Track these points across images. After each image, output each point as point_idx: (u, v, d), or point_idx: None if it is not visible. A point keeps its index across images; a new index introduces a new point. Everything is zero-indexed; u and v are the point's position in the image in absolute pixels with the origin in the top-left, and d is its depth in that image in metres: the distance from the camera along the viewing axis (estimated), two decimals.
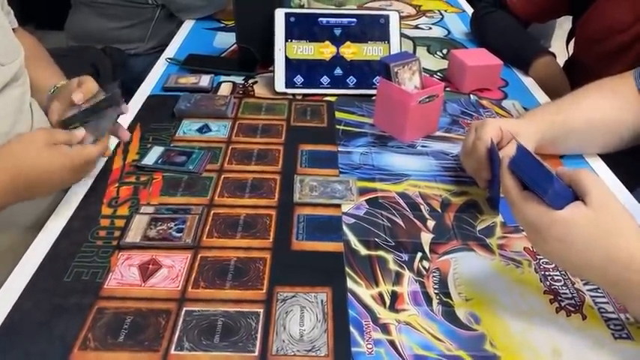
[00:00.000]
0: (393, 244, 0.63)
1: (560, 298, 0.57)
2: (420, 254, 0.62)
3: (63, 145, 0.61)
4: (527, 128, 0.72)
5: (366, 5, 1.43)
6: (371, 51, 0.99)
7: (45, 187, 0.62)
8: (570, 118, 0.76)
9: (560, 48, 1.31)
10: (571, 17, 1.18)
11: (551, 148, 0.78)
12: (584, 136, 0.78)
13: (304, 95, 0.97)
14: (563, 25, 1.75)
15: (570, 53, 1.24)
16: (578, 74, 1.16)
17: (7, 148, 0.59)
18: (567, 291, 0.58)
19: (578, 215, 0.48)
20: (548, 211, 0.48)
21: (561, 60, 1.33)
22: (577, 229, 0.48)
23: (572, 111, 0.76)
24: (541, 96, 1.02)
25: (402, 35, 1.02)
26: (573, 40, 1.20)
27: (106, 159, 0.75)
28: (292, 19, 0.98)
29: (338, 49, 0.99)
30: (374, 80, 0.97)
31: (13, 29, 0.81)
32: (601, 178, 0.52)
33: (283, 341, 0.50)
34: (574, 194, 0.49)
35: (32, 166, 0.59)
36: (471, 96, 1.00)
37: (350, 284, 0.57)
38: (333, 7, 1.07)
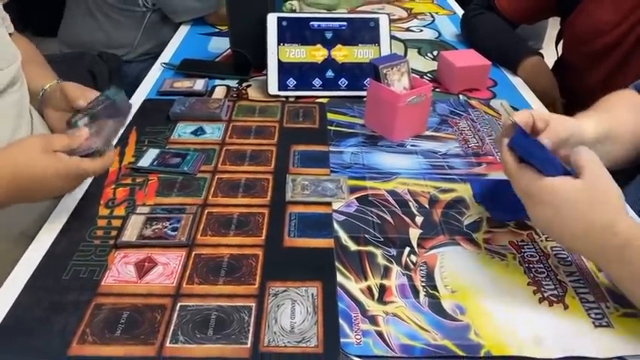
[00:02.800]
0: (382, 239, 0.65)
1: (543, 289, 0.59)
2: (408, 249, 0.64)
3: (60, 153, 0.61)
4: (559, 122, 0.67)
5: (358, 9, 1.46)
6: (362, 53, 1.02)
7: (38, 192, 0.62)
8: (600, 127, 0.70)
9: (552, 49, 1.33)
10: (559, 19, 1.21)
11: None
12: (609, 148, 0.72)
13: (297, 97, 1.00)
14: (556, 26, 1.77)
15: (559, 54, 1.27)
16: (567, 74, 1.19)
17: (5, 151, 0.61)
18: (550, 282, 0.59)
19: (566, 183, 0.53)
20: (538, 177, 0.54)
21: (552, 60, 1.36)
22: (563, 195, 0.52)
23: (610, 120, 0.72)
24: (529, 95, 1.04)
25: (394, 38, 1.04)
26: (562, 41, 1.23)
27: None
28: (284, 23, 1.01)
29: (329, 52, 1.01)
30: (364, 82, 0.99)
31: (9, 34, 0.82)
32: (596, 156, 0.55)
33: (275, 333, 0.52)
34: (566, 170, 0.54)
35: (27, 170, 0.59)
36: (460, 96, 1.02)
37: (340, 278, 0.59)
38: (325, 11, 1.09)
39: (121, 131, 0.70)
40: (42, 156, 0.59)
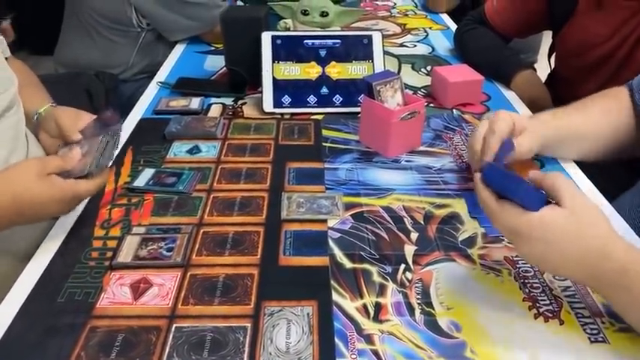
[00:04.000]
0: (378, 256, 0.65)
1: (538, 304, 0.59)
2: (403, 266, 0.64)
3: (55, 176, 0.61)
4: (534, 127, 0.75)
5: (352, 25, 1.47)
6: (356, 70, 1.03)
7: (34, 216, 0.63)
8: (575, 124, 0.78)
9: (545, 62, 1.35)
10: (551, 32, 1.22)
11: (553, 151, 0.82)
12: (585, 143, 0.80)
13: (292, 114, 1.00)
14: (548, 39, 1.79)
15: (552, 66, 1.28)
16: (560, 86, 1.20)
17: (4, 174, 0.61)
18: (546, 298, 0.59)
19: (553, 214, 0.51)
20: (524, 213, 0.52)
21: (546, 73, 1.38)
22: (554, 227, 0.51)
23: (577, 118, 0.79)
24: (523, 109, 1.05)
25: (387, 53, 1.05)
26: (554, 54, 1.24)
27: None
28: (279, 41, 1.02)
29: (324, 69, 1.02)
30: (359, 98, 1.00)
31: (5, 58, 0.83)
32: (570, 180, 0.54)
33: (270, 354, 0.52)
34: (546, 198, 0.53)
35: (24, 194, 0.60)
36: (454, 111, 1.03)
37: (335, 297, 0.59)
38: (318, 29, 1.10)
39: (117, 150, 0.70)
40: (37, 181, 0.60)
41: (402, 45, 1.41)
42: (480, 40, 1.23)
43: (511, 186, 0.53)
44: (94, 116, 0.75)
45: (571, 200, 0.51)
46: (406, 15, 1.68)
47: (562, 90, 1.18)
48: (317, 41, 1.02)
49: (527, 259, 0.56)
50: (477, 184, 0.56)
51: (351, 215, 0.72)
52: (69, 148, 0.68)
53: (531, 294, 0.60)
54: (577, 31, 1.10)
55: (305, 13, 1.11)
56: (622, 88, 0.83)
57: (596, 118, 0.79)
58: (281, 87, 1.01)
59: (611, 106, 0.81)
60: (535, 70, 1.17)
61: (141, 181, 0.78)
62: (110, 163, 0.68)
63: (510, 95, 1.11)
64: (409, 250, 0.66)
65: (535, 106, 1.07)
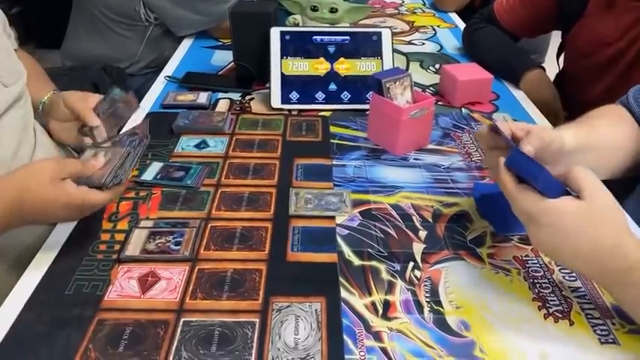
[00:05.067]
0: (386, 254, 0.65)
1: (548, 304, 0.58)
2: (411, 264, 0.63)
3: (68, 181, 0.60)
4: (540, 130, 0.67)
5: (360, 22, 1.46)
6: (364, 67, 1.02)
7: (40, 218, 0.62)
8: (589, 137, 0.71)
9: (554, 62, 1.34)
10: (560, 32, 1.21)
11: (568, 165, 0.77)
12: (596, 159, 0.72)
13: (300, 111, 1.00)
14: (557, 39, 1.79)
15: (561, 67, 1.27)
16: (569, 87, 1.19)
17: (15, 174, 0.60)
18: (555, 298, 0.59)
19: (569, 204, 0.52)
20: (541, 199, 0.52)
21: (553, 73, 1.38)
22: (567, 216, 0.51)
23: (590, 132, 0.72)
24: (532, 109, 1.05)
25: (396, 51, 1.05)
26: (563, 54, 1.24)
27: None
28: (287, 37, 1.01)
29: (332, 65, 1.01)
30: (367, 95, 1.00)
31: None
32: (593, 174, 0.54)
33: (278, 349, 0.52)
34: (567, 191, 0.53)
35: (33, 197, 0.58)
36: (463, 109, 1.03)
37: (343, 294, 0.59)
38: (327, 25, 1.09)
39: (136, 165, 0.67)
40: (49, 185, 0.58)
41: (410, 42, 1.40)
42: (489, 38, 1.22)
43: (534, 171, 0.53)
44: (101, 96, 0.75)
45: (591, 194, 0.51)
46: (414, 13, 1.67)
47: (571, 90, 1.18)
48: (326, 37, 1.02)
49: (539, 247, 0.56)
50: (500, 167, 0.57)
51: (360, 212, 0.72)
52: (95, 152, 0.66)
53: (541, 294, 0.60)
54: (587, 31, 1.09)
55: (314, 9, 1.11)
56: (615, 105, 0.79)
57: (605, 130, 0.74)
58: (289, 83, 1.00)
59: (615, 120, 0.78)
60: (544, 69, 1.16)
61: (149, 175, 0.77)
62: (127, 178, 0.65)
63: (519, 95, 1.10)
64: (418, 248, 0.66)
65: (544, 106, 1.07)
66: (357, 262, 0.63)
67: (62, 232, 0.67)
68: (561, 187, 0.53)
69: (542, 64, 1.76)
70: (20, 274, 0.61)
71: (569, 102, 1.14)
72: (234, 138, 0.90)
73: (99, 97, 0.76)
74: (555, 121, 1.08)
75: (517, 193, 0.55)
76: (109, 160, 0.65)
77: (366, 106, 0.95)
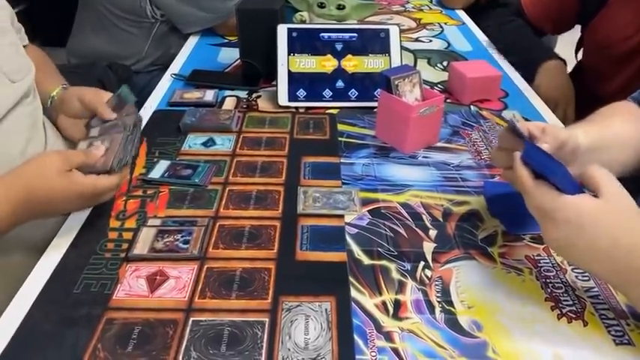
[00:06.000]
0: (396, 253, 0.64)
1: (561, 305, 0.57)
2: (422, 263, 0.63)
3: (75, 171, 0.61)
4: (554, 129, 0.67)
5: (367, 19, 1.45)
6: (372, 64, 1.01)
7: (52, 211, 0.62)
8: (602, 134, 0.70)
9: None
10: (580, 27, 1.22)
11: (581, 164, 0.76)
12: (606, 156, 0.71)
13: (307, 108, 0.99)
14: (564, 38, 1.78)
15: (579, 60, 1.28)
16: (587, 80, 1.20)
17: (21, 169, 0.60)
18: (568, 298, 0.58)
19: (588, 201, 0.51)
20: (559, 195, 0.52)
21: (568, 67, 1.40)
22: (586, 214, 0.50)
23: (602, 129, 0.72)
24: (541, 107, 1.04)
25: (403, 48, 1.04)
26: (582, 50, 1.24)
27: None
28: (294, 34, 1.00)
29: (340, 62, 1.01)
30: (375, 93, 0.99)
31: (23, 46, 0.83)
32: (610, 173, 0.53)
33: (289, 350, 0.51)
34: (582, 189, 0.53)
35: (42, 189, 0.59)
36: (472, 107, 1.02)
37: (354, 293, 0.58)
38: (335, 22, 1.09)
39: (139, 145, 0.69)
40: (57, 177, 0.59)
41: (417, 40, 1.39)
42: (516, 27, 1.25)
43: (551, 166, 0.52)
44: (111, 94, 0.76)
45: (609, 193, 0.51)
46: (421, 10, 1.66)
47: (590, 83, 1.18)
48: (333, 34, 1.01)
49: (554, 244, 0.54)
50: (515, 161, 0.56)
51: (368, 211, 0.71)
52: (89, 143, 0.67)
53: (553, 294, 0.59)
54: (607, 23, 1.09)
55: (321, 5, 1.10)
56: (626, 102, 0.79)
57: (618, 128, 0.73)
58: (296, 80, 0.99)
59: (627, 117, 0.77)
60: (565, 62, 1.17)
61: (156, 173, 0.77)
62: (131, 159, 0.67)
63: (528, 92, 1.09)
64: (428, 247, 0.65)
65: (558, 91, 1.07)
66: (366, 261, 0.63)
67: (70, 230, 0.67)
68: (578, 185, 0.53)
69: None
70: (29, 272, 0.60)
71: (587, 95, 1.14)
72: (241, 136, 0.89)
73: (109, 94, 0.76)
74: (566, 108, 1.10)
75: (534, 188, 0.53)
76: (109, 147, 0.65)
77: (374, 104, 0.94)
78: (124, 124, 0.69)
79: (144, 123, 0.92)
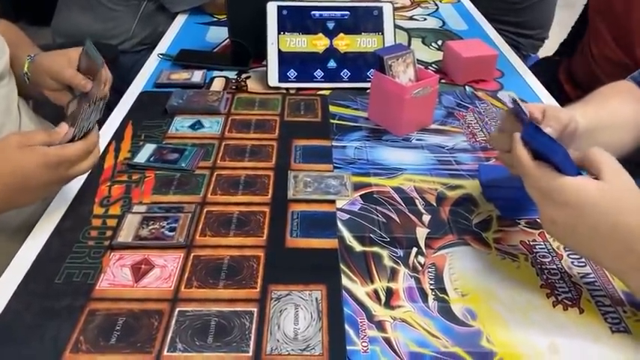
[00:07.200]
0: (388, 239, 0.62)
1: (557, 292, 0.56)
2: (415, 249, 0.61)
3: (38, 146, 0.57)
4: (556, 110, 0.65)
5: None
6: (365, 42, 0.98)
7: (26, 192, 0.59)
8: (599, 115, 0.69)
9: (555, 42, 1.34)
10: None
11: (579, 146, 0.75)
12: (606, 138, 0.70)
13: (298, 89, 0.96)
14: (560, 14, 1.76)
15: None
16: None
17: None
18: (564, 285, 0.57)
19: (589, 182, 0.49)
20: (559, 175, 0.50)
21: (555, 47, 1.38)
22: (587, 195, 0.49)
23: (599, 109, 0.70)
24: (537, 87, 1.01)
25: (397, 27, 1.01)
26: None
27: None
28: (285, 12, 0.97)
29: (331, 41, 0.98)
30: (368, 73, 0.96)
31: None
32: (611, 156, 0.51)
33: (277, 340, 0.50)
34: (582, 172, 0.51)
35: (6, 170, 0.56)
36: (467, 87, 0.99)
37: (345, 281, 0.57)
38: None
39: (102, 111, 0.66)
40: (18, 151, 0.56)
41: (411, 18, 1.35)
42: None
43: (552, 147, 0.50)
44: (79, 49, 0.73)
45: (610, 174, 0.49)
46: None
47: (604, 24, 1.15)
48: (325, 12, 0.98)
49: (552, 227, 0.52)
50: (515, 140, 0.54)
51: (361, 196, 0.69)
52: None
53: (549, 280, 0.57)
54: None
55: None
56: (625, 81, 0.77)
57: (616, 108, 0.71)
58: (287, 60, 0.96)
59: (625, 96, 0.75)
60: None
61: (141, 157, 0.74)
62: (94, 125, 0.63)
63: (525, 72, 1.07)
64: (421, 232, 0.64)
65: None
66: (358, 248, 0.61)
67: (52, 217, 0.64)
68: (577, 168, 0.51)
69: (546, 40, 1.74)
70: (9, 260, 0.58)
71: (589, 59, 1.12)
72: (229, 118, 0.86)
73: (75, 56, 0.73)
74: None
75: (534, 168, 0.52)
76: (71, 122, 0.61)
77: (367, 85, 0.92)
78: (92, 95, 0.66)
79: (130, 104, 0.90)
